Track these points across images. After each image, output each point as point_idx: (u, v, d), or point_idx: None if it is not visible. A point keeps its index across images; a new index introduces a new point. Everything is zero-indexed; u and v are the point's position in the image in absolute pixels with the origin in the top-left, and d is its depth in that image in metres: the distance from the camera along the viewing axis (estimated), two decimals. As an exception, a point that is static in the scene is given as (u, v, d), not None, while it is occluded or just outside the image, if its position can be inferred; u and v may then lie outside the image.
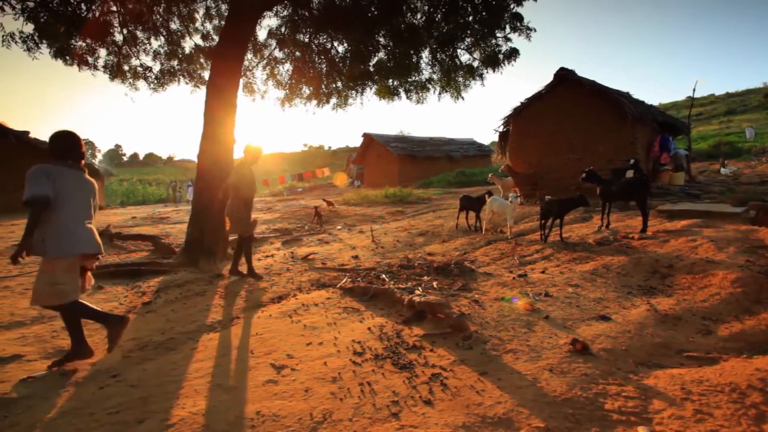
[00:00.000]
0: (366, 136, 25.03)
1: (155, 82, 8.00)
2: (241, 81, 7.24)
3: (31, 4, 5.61)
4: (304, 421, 1.97)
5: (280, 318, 3.49)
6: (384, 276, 4.50)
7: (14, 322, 3.47)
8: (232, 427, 1.94)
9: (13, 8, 5.53)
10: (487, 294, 3.83)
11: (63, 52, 6.47)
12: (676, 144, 11.44)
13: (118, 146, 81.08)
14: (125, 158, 76.24)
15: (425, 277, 4.44)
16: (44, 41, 6.00)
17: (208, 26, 8.27)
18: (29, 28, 5.86)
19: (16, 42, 5.79)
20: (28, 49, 5.93)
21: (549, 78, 10.86)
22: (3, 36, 5.75)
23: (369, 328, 3.14)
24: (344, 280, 4.46)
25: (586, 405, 2.03)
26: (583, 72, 10.50)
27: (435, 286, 4.07)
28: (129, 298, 4.25)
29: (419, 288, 3.97)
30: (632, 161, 6.55)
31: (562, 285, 3.97)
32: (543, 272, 4.54)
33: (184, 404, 2.17)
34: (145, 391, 2.31)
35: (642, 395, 2.10)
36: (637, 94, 10.79)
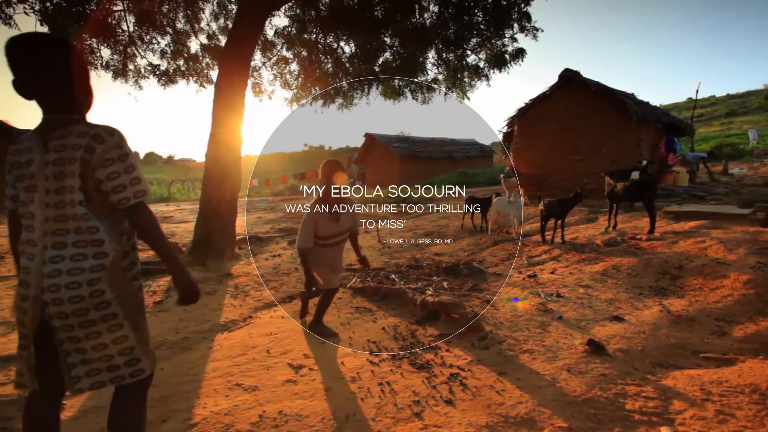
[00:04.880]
0: (368, 136, 25.02)
1: (161, 81, 8.00)
2: (249, 81, 7.24)
3: (47, 3, 5.62)
4: (327, 420, 1.98)
5: (293, 317, 3.50)
6: (393, 276, 4.50)
7: (28, 321, 3.47)
8: (256, 426, 1.95)
9: (29, 7, 5.54)
10: (499, 294, 3.84)
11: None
12: (681, 145, 11.45)
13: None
14: (126, 157, 76.03)
15: (435, 278, 4.44)
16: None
17: (214, 26, 8.29)
18: (41, 28, 5.87)
19: None
20: None
21: (552, 79, 10.88)
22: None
23: (383, 328, 3.15)
24: (354, 280, 4.46)
25: (607, 405, 2.04)
26: (584, 72, 10.52)
27: (445, 286, 4.08)
28: (140, 297, 4.25)
29: (430, 288, 3.97)
30: (644, 163, 6.60)
31: (573, 285, 3.98)
32: (552, 273, 4.55)
33: (205, 404, 2.17)
34: (165, 390, 2.31)
35: (662, 396, 2.11)
36: (638, 95, 10.80)
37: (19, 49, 1.24)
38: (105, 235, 1.28)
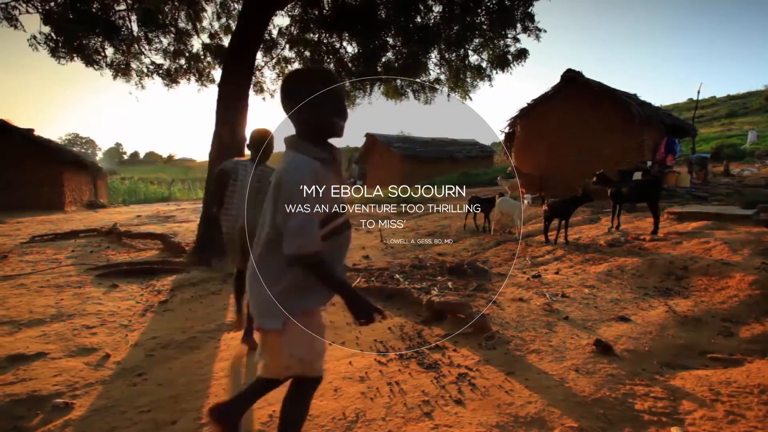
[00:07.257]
0: (369, 136, 25.00)
1: (164, 80, 8.01)
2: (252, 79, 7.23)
3: (52, 4, 5.63)
4: (337, 420, 1.98)
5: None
6: (398, 276, 4.51)
7: (34, 320, 3.48)
8: (267, 426, 1.95)
9: (36, 8, 5.55)
10: (504, 294, 3.84)
11: (74, 51, 6.47)
12: (682, 146, 11.44)
13: (118, 144, 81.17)
14: (126, 156, 76.21)
15: (439, 278, 4.45)
16: (62, 42, 6.02)
17: (216, 25, 8.30)
18: (45, 29, 5.90)
19: (39, 43, 5.81)
20: (52, 51, 5.96)
21: (554, 79, 10.89)
22: (28, 39, 5.80)
23: (389, 328, 3.15)
24: (358, 280, 4.46)
25: (617, 405, 2.04)
26: (586, 73, 10.51)
27: (450, 286, 4.08)
28: (145, 296, 4.26)
29: (435, 288, 3.98)
30: (649, 164, 6.60)
31: (578, 286, 3.99)
32: (557, 273, 4.55)
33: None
34: (174, 389, 2.32)
35: (671, 396, 2.11)
36: (639, 96, 10.78)
37: None
38: None
